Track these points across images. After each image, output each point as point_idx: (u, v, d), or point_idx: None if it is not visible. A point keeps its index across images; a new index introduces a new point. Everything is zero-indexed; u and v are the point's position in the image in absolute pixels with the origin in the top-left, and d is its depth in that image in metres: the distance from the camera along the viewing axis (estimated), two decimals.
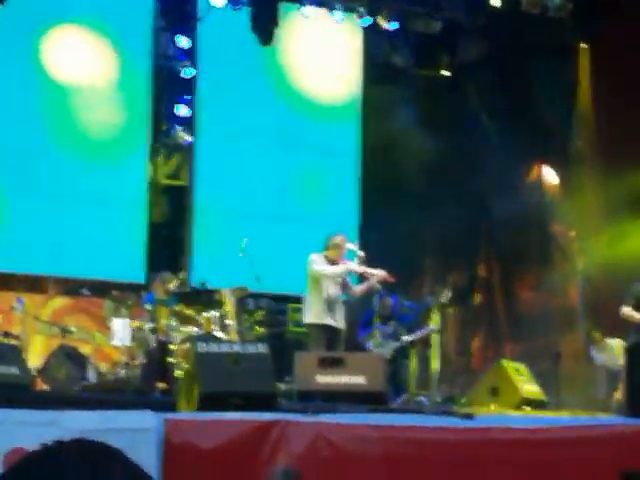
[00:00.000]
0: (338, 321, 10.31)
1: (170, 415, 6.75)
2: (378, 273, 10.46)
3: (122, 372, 10.68)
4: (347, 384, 8.51)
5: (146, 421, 6.40)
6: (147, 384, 10.29)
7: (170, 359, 10.44)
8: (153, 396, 10.02)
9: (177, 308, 10.99)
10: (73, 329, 11.51)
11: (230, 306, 11.07)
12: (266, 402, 7.61)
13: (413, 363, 11.58)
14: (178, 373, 10.06)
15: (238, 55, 14.82)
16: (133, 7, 14.53)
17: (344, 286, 10.47)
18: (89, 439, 5.86)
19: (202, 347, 8.05)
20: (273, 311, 13.64)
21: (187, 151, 15.04)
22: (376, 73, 15.99)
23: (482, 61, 16.12)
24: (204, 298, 11.39)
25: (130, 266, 14.08)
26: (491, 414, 9.84)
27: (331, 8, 15.36)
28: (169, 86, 14.98)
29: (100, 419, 6.31)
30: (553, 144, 16.03)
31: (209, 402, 7.49)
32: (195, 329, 10.79)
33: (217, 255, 14.00)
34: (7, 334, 10.95)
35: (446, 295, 11.65)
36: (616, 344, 13.01)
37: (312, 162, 15.38)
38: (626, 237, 14.53)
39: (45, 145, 13.99)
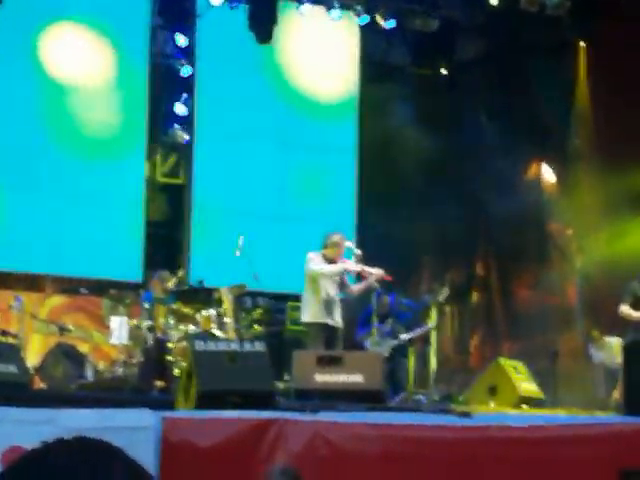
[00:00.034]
0: (336, 320, 10.30)
1: (168, 413, 6.74)
2: (376, 272, 10.46)
3: (120, 370, 10.68)
4: (345, 383, 8.51)
5: (144, 419, 6.39)
6: (145, 382, 10.29)
7: (168, 357, 10.43)
8: (151, 394, 10.01)
9: (175, 306, 10.98)
10: (71, 327, 11.53)
11: (228, 304, 11.05)
12: (264, 400, 7.59)
13: (411, 361, 11.57)
14: (176, 371, 10.06)
15: (236, 53, 14.81)
16: (131, 5, 14.53)
17: (342, 285, 10.46)
18: (89, 437, 5.84)
19: (200, 345, 8.02)
20: (271, 309, 13.61)
21: (185, 149, 15.04)
22: (374, 71, 15.99)
23: (480, 59, 16.12)
24: (202, 296, 11.38)
25: (128, 265, 14.08)
26: (489, 412, 9.82)
27: (329, 6, 15.34)
28: (167, 84, 14.98)
29: (98, 417, 6.31)
30: (551, 142, 16.01)
31: (207, 400, 7.48)
32: (193, 327, 10.77)
33: (215, 253, 13.97)
34: (5, 332, 10.96)
35: (444, 293, 11.66)
36: (614, 342, 12.98)
37: (310, 160, 15.36)
38: (624, 235, 14.53)
39: (42, 143, 13.97)
